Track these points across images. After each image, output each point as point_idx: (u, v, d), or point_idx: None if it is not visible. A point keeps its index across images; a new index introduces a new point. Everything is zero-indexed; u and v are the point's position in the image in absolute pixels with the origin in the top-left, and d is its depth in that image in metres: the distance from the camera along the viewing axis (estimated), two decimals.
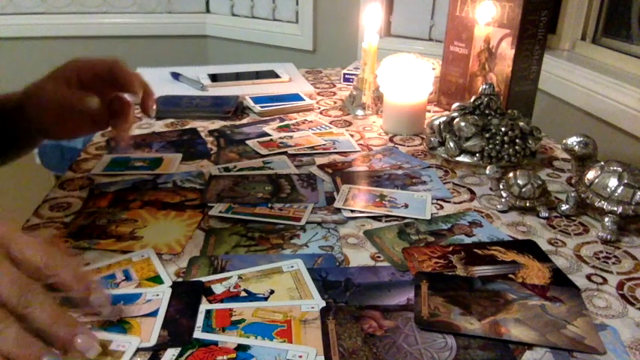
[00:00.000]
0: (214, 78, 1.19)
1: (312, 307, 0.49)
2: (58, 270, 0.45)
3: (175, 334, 0.46)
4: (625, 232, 0.64)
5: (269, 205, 0.68)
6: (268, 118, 1.01)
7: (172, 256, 0.57)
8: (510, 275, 0.55)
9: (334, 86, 1.22)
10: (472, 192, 0.74)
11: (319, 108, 1.07)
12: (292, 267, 0.55)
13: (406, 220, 0.65)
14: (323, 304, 0.50)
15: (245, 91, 1.12)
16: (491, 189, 0.73)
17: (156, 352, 0.44)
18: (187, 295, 0.51)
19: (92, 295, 0.45)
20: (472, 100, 0.84)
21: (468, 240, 0.62)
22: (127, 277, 0.53)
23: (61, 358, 0.41)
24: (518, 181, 0.68)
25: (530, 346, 0.45)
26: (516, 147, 0.80)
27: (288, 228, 0.63)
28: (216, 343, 0.45)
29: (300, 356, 0.44)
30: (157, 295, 0.51)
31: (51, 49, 2.11)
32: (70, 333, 0.42)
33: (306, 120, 0.99)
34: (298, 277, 0.54)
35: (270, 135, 0.92)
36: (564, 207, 0.68)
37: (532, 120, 0.94)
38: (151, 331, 0.46)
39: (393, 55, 1.07)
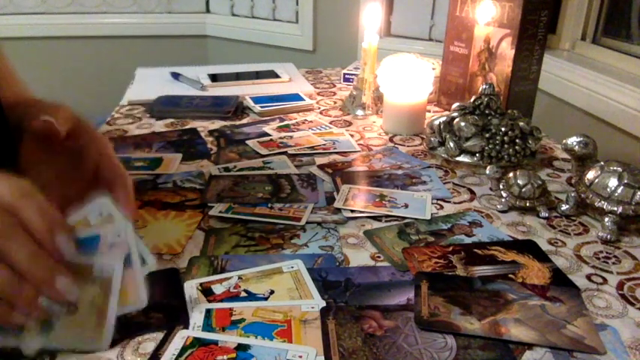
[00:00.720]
0: (214, 78, 1.19)
1: (312, 307, 0.49)
2: (23, 206, 0.41)
3: (171, 315, 0.48)
4: (625, 232, 0.64)
5: (269, 205, 0.68)
6: (268, 118, 1.01)
7: (172, 256, 0.57)
8: (510, 275, 0.55)
9: (334, 86, 1.22)
10: (472, 192, 0.74)
11: (319, 108, 1.07)
12: (292, 267, 0.55)
13: (406, 220, 0.65)
14: (323, 304, 0.50)
15: (245, 91, 1.12)
16: (491, 189, 0.73)
17: (156, 351, 0.44)
18: (167, 280, 0.53)
19: (57, 236, 0.41)
20: (472, 100, 0.84)
21: (468, 240, 0.62)
22: None
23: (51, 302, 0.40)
24: (518, 181, 0.68)
25: (530, 346, 0.45)
26: (516, 147, 0.80)
27: (288, 228, 0.63)
28: (216, 343, 0.45)
29: (300, 356, 0.44)
30: (118, 235, 0.45)
31: (51, 49, 2.11)
32: (50, 273, 0.40)
33: (306, 120, 0.99)
34: (298, 277, 0.54)
35: (270, 135, 0.92)
36: (564, 207, 0.68)
37: (532, 120, 0.94)
38: (137, 290, 0.44)
39: (393, 55, 1.07)
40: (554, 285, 0.53)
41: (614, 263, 0.58)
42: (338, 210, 0.67)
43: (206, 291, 0.51)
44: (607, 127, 1.22)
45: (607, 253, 0.60)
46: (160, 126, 0.96)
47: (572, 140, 0.70)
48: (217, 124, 0.96)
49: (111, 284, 0.43)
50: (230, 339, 0.45)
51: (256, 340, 0.45)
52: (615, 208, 0.63)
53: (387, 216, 0.66)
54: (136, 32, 2.16)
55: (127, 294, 0.45)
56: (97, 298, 0.43)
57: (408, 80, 0.92)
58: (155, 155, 0.83)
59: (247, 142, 0.89)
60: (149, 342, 0.45)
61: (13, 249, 0.39)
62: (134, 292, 0.45)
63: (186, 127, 0.96)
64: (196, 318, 0.48)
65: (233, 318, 0.48)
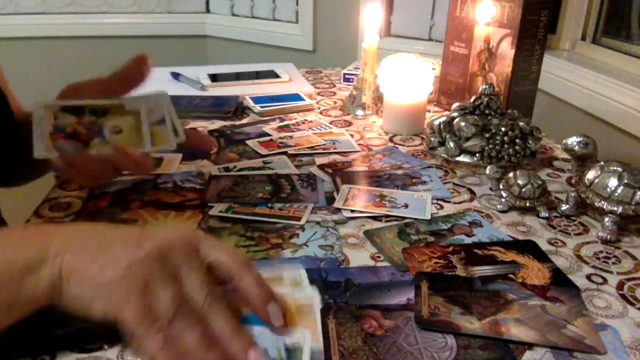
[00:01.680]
0: (214, 78, 1.19)
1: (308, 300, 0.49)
2: (244, 273, 0.44)
3: None
4: (625, 232, 0.64)
5: (269, 205, 0.68)
6: (268, 118, 1.01)
7: None
8: (510, 275, 0.55)
9: (334, 86, 1.22)
10: (472, 192, 0.74)
11: (319, 108, 1.07)
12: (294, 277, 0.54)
13: (406, 220, 0.65)
14: (319, 301, 0.50)
15: (245, 91, 1.12)
16: (491, 189, 0.73)
17: None
18: None
19: (269, 305, 0.45)
20: (472, 100, 0.84)
21: (468, 240, 0.62)
22: None
23: None
24: (518, 181, 0.68)
25: (530, 345, 0.45)
26: (516, 147, 0.80)
27: (288, 227, 0.63)
28: None
29: (298, 341, 0.44)
30: (156, 104, 0.66)
31: (51, 49, 2.11)
32: (245, 346, 0.41)
33: (306, 120, 0.99)
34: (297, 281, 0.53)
35: (270, 135, 0.92)
36: (564, 207, 0.68)
37: (532, 120, 0.94)
38: (168, 138, 0.64)
39: (393, 55, 1.07)
40: (554, 285, 0.53)
41: (614, 263, 0.58)
42: (338, 210, 0.67)
43: None
44: (607, 127, 1.22)
45: (607, 253, 0.60)
46: None
47: (572, 140, 0.70)
48: (217, 124, 0.96)
49: (139, 113, 0.61)
50: None
51: (254, 328, 0.45)
52: (615, 208, 0.63)
53: (387, 216, 0.66)
54: (136, 32, 2.16)
55: (160, 140, 0.61)
56: (133, 123, 0.61)
57: (408, 80, 0.92)
58: (155, 155, 0.83)
59: (247, 142, 0.89)
60: None
61: (219, 315, 0.42)
62: (166, 139, 0.62)
63: (187, 127, 0.96)
64: None
65: None
